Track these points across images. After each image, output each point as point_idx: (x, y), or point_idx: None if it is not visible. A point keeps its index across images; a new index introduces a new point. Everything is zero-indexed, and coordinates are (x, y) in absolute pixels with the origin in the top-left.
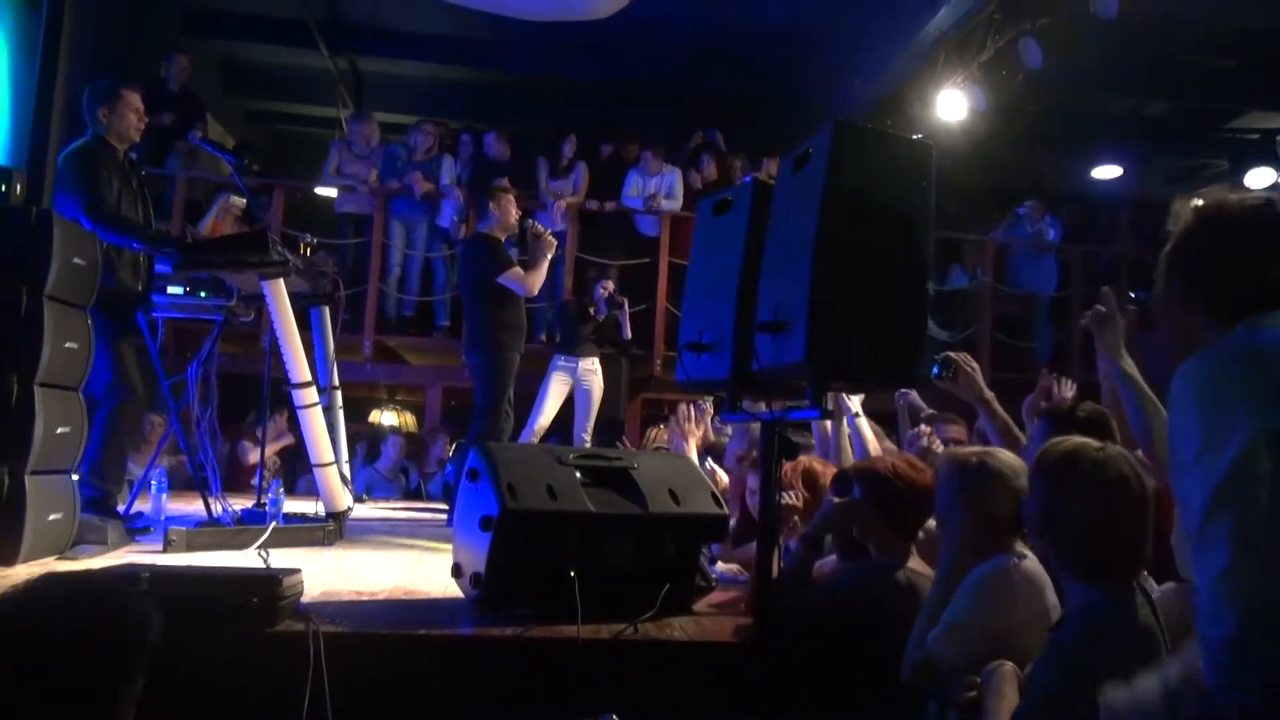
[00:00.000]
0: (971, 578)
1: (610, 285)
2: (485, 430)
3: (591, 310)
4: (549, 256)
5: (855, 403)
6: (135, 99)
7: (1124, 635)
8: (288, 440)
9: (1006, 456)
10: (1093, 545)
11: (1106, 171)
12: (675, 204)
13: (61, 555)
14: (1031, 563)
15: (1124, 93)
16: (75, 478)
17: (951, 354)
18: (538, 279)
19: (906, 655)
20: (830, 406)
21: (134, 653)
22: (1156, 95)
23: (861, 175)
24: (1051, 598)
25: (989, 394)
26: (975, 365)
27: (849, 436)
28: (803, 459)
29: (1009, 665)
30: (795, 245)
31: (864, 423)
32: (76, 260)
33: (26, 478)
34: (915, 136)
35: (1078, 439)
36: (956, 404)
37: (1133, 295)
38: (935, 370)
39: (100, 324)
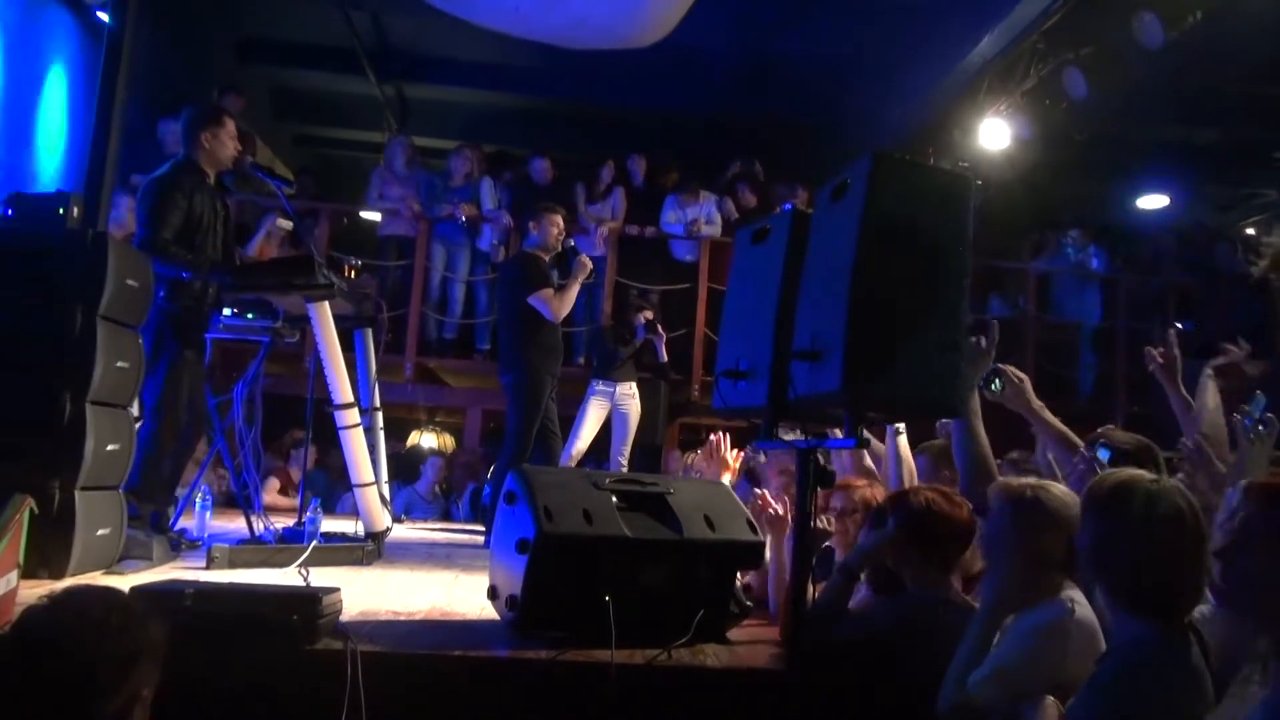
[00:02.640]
0: (1025, 624)
1: (650, 314)
2: (518, 452)
3: (628, 335)
4: (580, 281)
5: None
6: (232, 124)
7: (1170, 676)
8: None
9: (1060, 491)
10: (1144, 580)
11: (1152, 201)
12: (715, 229)
13: (108, 570)
14: (1085, 610)
15: (1170, 121)
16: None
17: (1001, 365)
18: (566, 303)
19: (943, 691)
20: (867, 435)
21: (105, 668)
22: (1204, 124)
23: (899, 206)
24: (1104, 645)
25: (1038, 404)
26: (1024, 376)
27: (889, 455)
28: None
29: (1050, 701)
30: (832, 275)
31: (904, 441)
32: (130, 282)
33: (77, 493)
34: (956, 167)
35: (1131, 470)
36: (1006, 418)
37: (1178, 326)
38: (983, 381)
39: (166, 347)
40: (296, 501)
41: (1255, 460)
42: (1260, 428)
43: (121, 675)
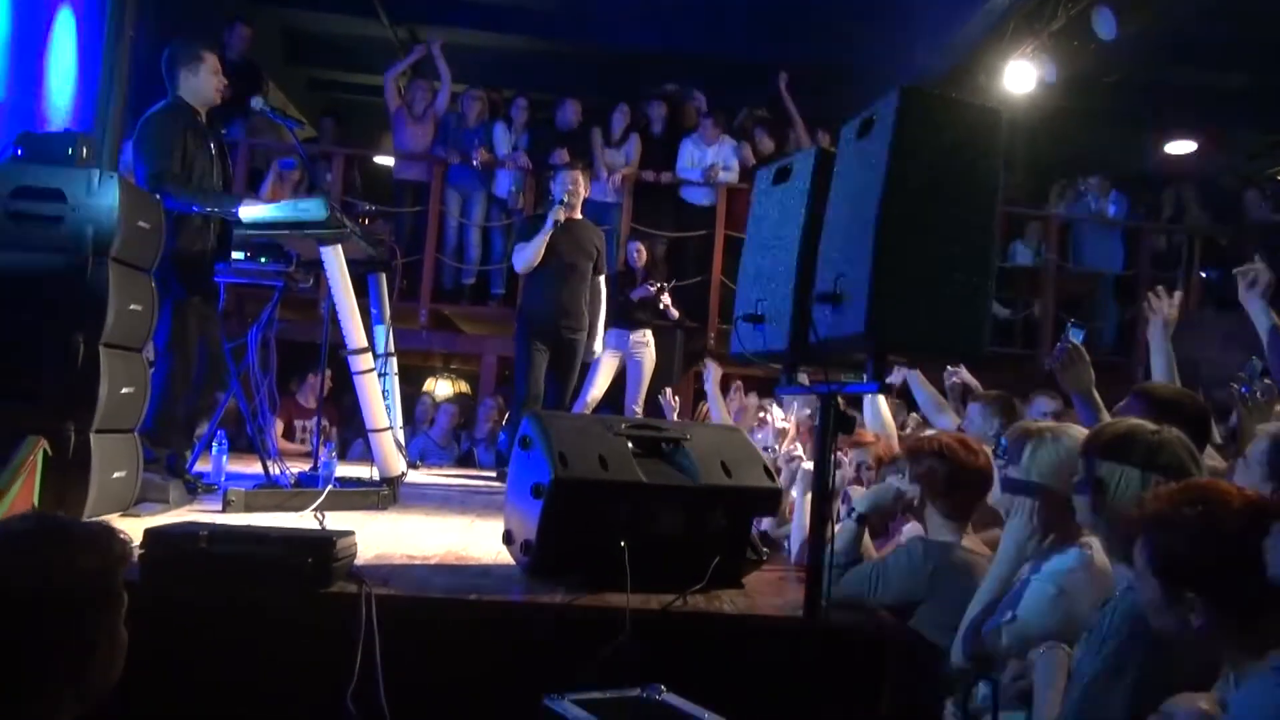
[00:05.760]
0: (1044, 572)
1: (642, 249)
2: (523, 398)
3: (632, 278)
4: (547, 232)
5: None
6: (214, 60)
7: None
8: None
9: (1079, 433)
10: None
11: (1180, 147)
12: (732, 175)
13: (125, 513)
14: (1102, 557)
15: (1200, 65)
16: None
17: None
18: (529, 253)
19: (959, 637)
20: (892, 379)
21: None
22: (1234, 68)
23: (927, 143)
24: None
25: None
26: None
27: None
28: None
29: (1062, 649)
30: (858, 214)
31: (883, 402)
32: (141, 224)
33: (92, 436)
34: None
35: (1132, 420)
36: (1006, 381)
37: (1203, 275)
38: None
39: (169, 288)
40: (298, 443)
41: (1252, 426)
42: (1259, 394)
43: (72, 619)
